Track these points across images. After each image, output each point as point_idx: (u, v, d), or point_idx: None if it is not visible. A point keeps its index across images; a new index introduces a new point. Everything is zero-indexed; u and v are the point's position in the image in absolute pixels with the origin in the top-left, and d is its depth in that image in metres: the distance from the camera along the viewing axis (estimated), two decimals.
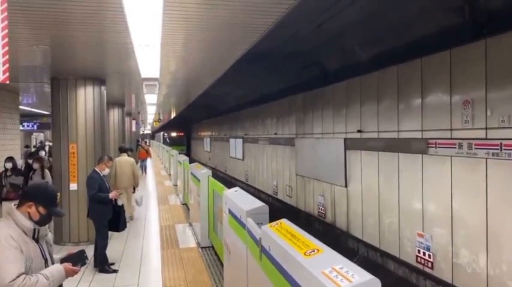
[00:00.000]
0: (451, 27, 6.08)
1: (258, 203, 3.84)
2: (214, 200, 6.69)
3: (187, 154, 36.11)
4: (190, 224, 8.71)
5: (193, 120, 37.38)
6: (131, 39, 4.71)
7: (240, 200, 4.23)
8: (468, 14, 5.67)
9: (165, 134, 42.25)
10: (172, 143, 38.25)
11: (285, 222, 3.12)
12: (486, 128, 5.54)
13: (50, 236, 2.69)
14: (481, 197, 5.61)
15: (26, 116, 17.22)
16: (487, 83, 5.55)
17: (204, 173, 7.21)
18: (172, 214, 10.09)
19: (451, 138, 6.12)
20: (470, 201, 5.83)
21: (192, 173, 8.77)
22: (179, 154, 15.67)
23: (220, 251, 5.99)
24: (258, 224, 3.43)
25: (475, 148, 5.67)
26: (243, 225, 3.75)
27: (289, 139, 12.80)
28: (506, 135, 5.23)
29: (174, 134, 42.01)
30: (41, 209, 2.46)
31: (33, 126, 19.01)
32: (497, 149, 5.31)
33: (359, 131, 8.66)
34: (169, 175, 18.79)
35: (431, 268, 6.48)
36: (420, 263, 6.74)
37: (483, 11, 5.57)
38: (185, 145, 40.71)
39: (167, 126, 40.71)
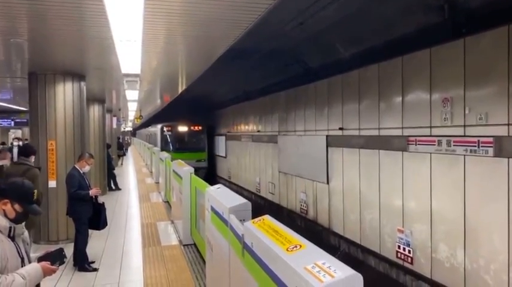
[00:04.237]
0: (431, 26, 6.18)
1: (241, 200, 3.82)
2: (196, 198, 6.64)
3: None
4: (172, 222, 8.64)
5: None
6: (112, 33, 4.63)
7: (222, 197, 4.20)
8: (447, 14, 5.76)
9: (165, 129, 20.95)
10: (181, 147, 20.18)
11: (267, 218, 3.11)
12: (464, 126, 5.65)
13: (27, 234, 2.62)
14: (459, 193, 5.73)
15: (2, 112, 16.78)
16: (466, 81, 5.66)
17: (186, 170, 7.15)
18: (154, 211, 9.98)
19: (431, 136, 6.23)
20: (449, 197, 5.94)
21: (174, 171, 8.70)
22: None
23: (202, 249, 5.96)
24: (240, 220, 3.41)
25: (454, 145, 5.78)
26: (226, 222, 3.73)
27: (272, 136, 12.82)
28: (483, 133, 5.35)
29: (184, 128, 20.81)
30: (16, 206, 2.40)
31: (10, 123, 18.55)
32: (475, 146, 5.43)
33: (341, 128, 8.73)
34: (151, 172, 18.59)
35: (411, 263, 6.59)
36: (400, 258, 6.85)
37: (462, 11, 5.67)
38: (205, 151, 20.79)
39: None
